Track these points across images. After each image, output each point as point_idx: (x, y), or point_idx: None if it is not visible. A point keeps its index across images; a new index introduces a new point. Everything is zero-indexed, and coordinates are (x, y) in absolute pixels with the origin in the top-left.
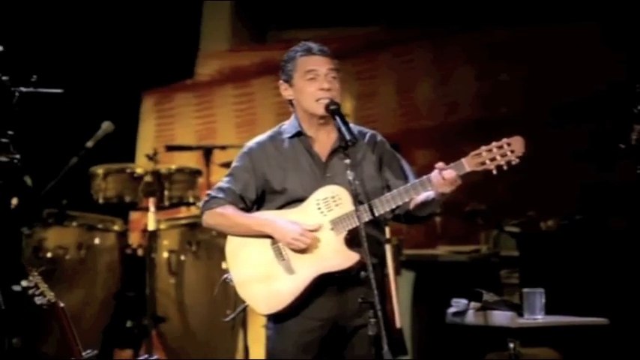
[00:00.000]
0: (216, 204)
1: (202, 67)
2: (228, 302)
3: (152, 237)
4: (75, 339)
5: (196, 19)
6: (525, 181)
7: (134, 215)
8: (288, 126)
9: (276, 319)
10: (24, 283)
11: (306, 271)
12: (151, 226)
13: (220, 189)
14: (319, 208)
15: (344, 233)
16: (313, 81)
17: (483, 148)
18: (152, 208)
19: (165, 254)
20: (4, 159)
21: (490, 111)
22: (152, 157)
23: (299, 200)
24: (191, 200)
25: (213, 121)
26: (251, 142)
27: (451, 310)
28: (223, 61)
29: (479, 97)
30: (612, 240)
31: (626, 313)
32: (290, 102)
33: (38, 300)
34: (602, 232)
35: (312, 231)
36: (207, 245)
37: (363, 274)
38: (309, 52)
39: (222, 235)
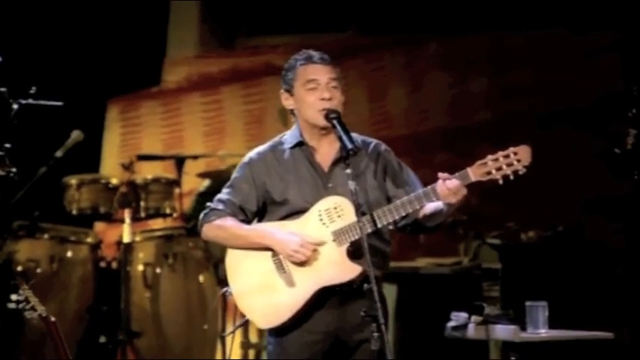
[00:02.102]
0: (215, 216)
1: (169, 74)
2: (205, 316)
3: (127, 249)
4: (66, 354)
5: (163, 24)
6: (504, 191)
7: (99, 226)
8: (290, 136)
9: (276, 333)
10: (14, 297)
11: (306, 284)
12: (126, 238)
13: (220, 200)
14: (321, 220)
15: (346, 245)
16: (314, 90)
17: (489, 157)
18: (127, 220)
19: (141, 267)
20: (0, 172)
21: (465, 119)
22: (128, 167)
23: (301, 211)
24: (167, 211)
25: (180, 129)
26: (251, 153)
27: (451, 323)
28: (191, 68)
29: (453, 105)
30: (595, 251)
31: (611, 325)
32: (292, 112)
33: (28, 314)
34: (585, 243)
35: (314, 244)
36: (183, 258)
37: (366, 286)
38: (309, 60)
39: (199, 248)
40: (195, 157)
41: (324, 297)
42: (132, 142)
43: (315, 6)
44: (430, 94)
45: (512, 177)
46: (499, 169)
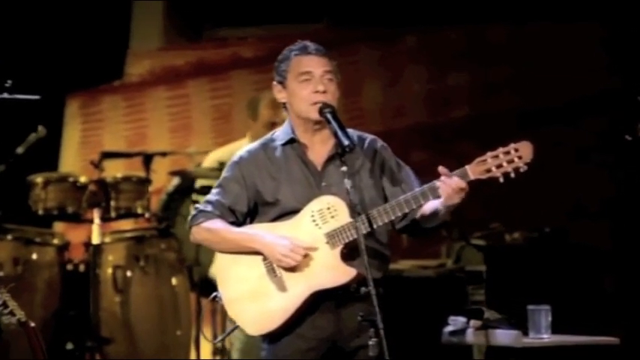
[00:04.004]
0: (203, 218)
1: (132, 67)
2: (178, 321)
3: (96, 251)
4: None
5: (126, 15)
6: (488, 191)
7: (58, 227)
8: (281, 132)
9: (269, 339)
10: None
11: (299, 288)
12: (95, 240)
13: (209, 202)
14: (314, 221)
15: (340, 247)
16: (307, 83)
17: (489, 154)
18: (97, 220)
19: (110, 270)
20: None
21: (443, 115)
22: (97, 165)
23: (293, 212)
24: (139, 211)
25: (144, 125)
26: (241, 151)
27: (448, 328)
28: (155, 61)
29: (430, 101)
30: (581, 253)
31: (599, 328)
32: (284, 105)
33: (6, 319)
34: (571, 244)
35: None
36: (155, 260)
37: (363, 289)
38: (304, 51)
39: (172, 250)
40: (163, 154)
41: (319, 301)
42: (93, 139)
43: None
44: (406, 89)
45: (513, 175)
46: (499, 166)
